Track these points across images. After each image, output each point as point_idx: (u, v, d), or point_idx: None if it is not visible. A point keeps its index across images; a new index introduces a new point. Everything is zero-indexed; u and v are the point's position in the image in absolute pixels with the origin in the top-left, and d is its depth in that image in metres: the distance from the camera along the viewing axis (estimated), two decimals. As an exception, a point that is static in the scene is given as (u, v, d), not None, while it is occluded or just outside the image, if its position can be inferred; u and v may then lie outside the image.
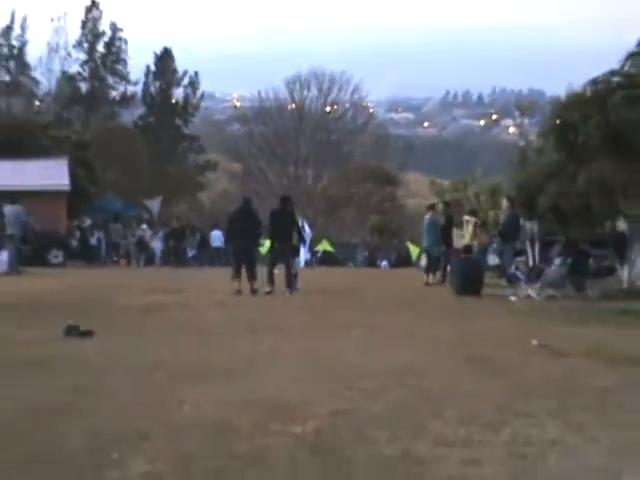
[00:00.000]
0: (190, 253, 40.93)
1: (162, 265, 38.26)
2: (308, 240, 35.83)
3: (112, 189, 50.88)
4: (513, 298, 18.38)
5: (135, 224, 42.02)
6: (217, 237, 40.32)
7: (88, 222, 38.76)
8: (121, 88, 74.13)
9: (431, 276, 23.03)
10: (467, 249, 21.74)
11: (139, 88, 74.65)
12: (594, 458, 5.95)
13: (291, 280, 19.67)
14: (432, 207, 25.15)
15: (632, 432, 6.67)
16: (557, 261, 19.76)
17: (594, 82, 16.96)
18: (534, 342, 11.31)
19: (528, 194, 21.90)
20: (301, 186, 72.13)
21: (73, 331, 11.57)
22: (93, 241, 38.54)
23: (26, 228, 27.87)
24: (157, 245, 41.18)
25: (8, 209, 27.07)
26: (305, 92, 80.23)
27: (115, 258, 39.06)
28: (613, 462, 5.84)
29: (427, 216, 23.81)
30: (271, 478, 5.43)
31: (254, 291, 18.89)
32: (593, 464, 5.80)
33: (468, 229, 22.94)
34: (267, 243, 23.42)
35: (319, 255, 43.27)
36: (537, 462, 5.86)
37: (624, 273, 20.34)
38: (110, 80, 73.54)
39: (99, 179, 47.92)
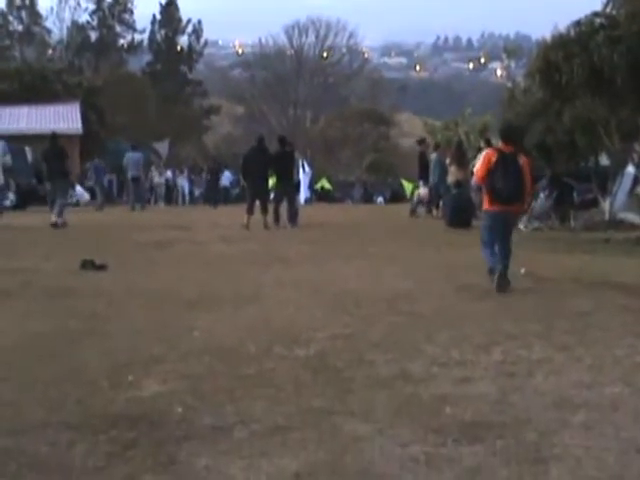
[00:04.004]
0: (197, 192, 40.81)
1: (191, 203, 38.49)
2: (308, 179, 35.72)
3: (121, 133, 50.60)
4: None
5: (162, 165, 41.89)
6: (226, 177, 40.14)
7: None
8: (128, 36, 73.53)
9: (434, 210, 23.10)
10: (458, 184, 21.67)
11: (146, 36, 74.02)
12: (577, 374, 6.00)
13: (293, 215, 19.68)
14: (438, 146, 25.25)
15: (611, 350, 6.72)
16: (543, 195, 19.72)
17: (578, 24, 16.76)
18: (522, 270, 11.32)
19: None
20: (300, 128, 71.87)
21: (88, 265, 11.59)
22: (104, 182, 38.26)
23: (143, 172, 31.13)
24: (184, 184, 40.98)
25: (130, 155, 29.83)
26: (303, 38, 79.76)
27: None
28: (595, 378, 5.89)
29: (434, 155, 23.76)
30: (278, 396, 5.48)
31: (266, 225, 18.88)
32: (577, 380, 5.84)
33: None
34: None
35: (318, 192, 43.16)
36: (525, 379, 5.91)
37: (606, 205, 20.31)
38: (118, 29, 72.84)
39: (109, 123, 47.71)
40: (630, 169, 19.92)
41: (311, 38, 79.78)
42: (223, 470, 4.17)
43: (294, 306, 8.86)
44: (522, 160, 10.12)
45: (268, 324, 7.83)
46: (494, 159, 9.90)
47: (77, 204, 31.01)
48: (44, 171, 20.80)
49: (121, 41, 73.44)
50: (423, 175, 24.13)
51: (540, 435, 4.68)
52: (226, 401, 5.32)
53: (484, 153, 10.39)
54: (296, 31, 79.57)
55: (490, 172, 9.89)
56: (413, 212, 23.58)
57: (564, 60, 15.86)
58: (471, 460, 4.32)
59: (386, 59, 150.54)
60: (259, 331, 7.49)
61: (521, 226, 18.57)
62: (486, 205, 10.18)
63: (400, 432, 4.75)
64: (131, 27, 73.24)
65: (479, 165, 10.15)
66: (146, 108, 59.89)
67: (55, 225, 18.54)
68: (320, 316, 8.25)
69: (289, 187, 19.92)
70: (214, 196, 35.80)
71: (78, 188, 32.30)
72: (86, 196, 33.36)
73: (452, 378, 5.93)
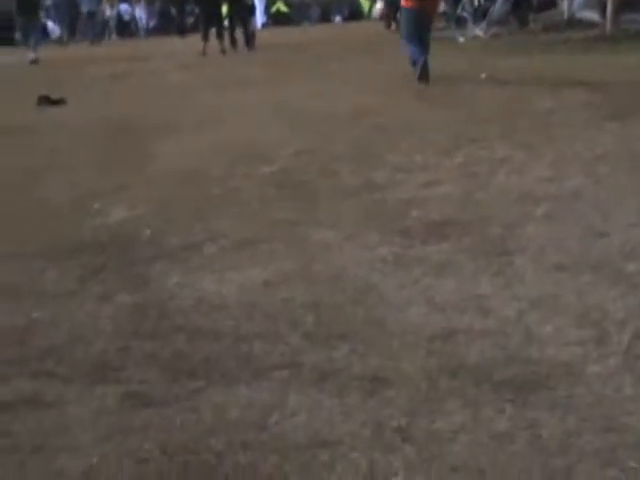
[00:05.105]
0: (151, 23, 39.53)
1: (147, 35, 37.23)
2: (263, 3, 34.83)
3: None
4: (462, 39, 18.06)
5: None
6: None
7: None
8: None
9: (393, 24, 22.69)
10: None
11: None
12: (539, 170, 6.04)
13: (249, 38, 19.29)
14: None
15: (572, 145, 6.76)
16: (501, -1, 19.34)
17: None
18: (482, 75, 11.25)
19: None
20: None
21: (45, 100, 11.36)
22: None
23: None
24: (142, 16, 39.47)
25: None
26: None
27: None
28: (556, 172, 5.94)
29: None
30: (244, 212, 5.49)
31: (223, 51, 18.53)
32: (538, 175, 5.89)
33: None
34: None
35: (275, 16, 42.03)
36: (488, 178, 5.95)
37: (564, 5, 19.98)
38: None
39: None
40: (589, -33, 19.50)
41: None
42: (195, 285, 4.21)
43: (256, 127, 8.80)
44: None
45: (231, 146, 7.77)
46: None
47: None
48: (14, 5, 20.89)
49: None
50: None
51: (504, 229, 4.75)
52: (194, 221, 5.32)
53: None
54: None
55: None
56: (389, 26, 23.16)
57: None
58: (438, 257, 4.39)
59: None
60: (222, 153, 7.44)
61: (480, 32, 18.31)
62: (403, 2, 11.41)
63: (368, 237, 4.79)
64: None
65: None
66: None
67: (35, 62, 19.05)
68: (282, 135, 8.19)
69: (241, 10, 19.42)
70: (179, 26, 34.81)
71: (49, 23, 31.34)
72: (57, 32, 32.14)
73: (416, 183, 5.95)
